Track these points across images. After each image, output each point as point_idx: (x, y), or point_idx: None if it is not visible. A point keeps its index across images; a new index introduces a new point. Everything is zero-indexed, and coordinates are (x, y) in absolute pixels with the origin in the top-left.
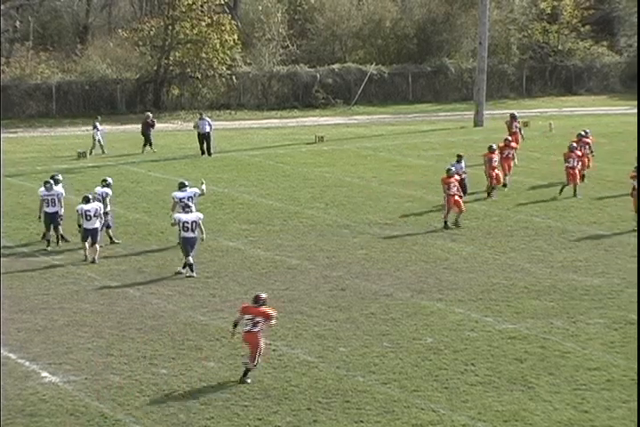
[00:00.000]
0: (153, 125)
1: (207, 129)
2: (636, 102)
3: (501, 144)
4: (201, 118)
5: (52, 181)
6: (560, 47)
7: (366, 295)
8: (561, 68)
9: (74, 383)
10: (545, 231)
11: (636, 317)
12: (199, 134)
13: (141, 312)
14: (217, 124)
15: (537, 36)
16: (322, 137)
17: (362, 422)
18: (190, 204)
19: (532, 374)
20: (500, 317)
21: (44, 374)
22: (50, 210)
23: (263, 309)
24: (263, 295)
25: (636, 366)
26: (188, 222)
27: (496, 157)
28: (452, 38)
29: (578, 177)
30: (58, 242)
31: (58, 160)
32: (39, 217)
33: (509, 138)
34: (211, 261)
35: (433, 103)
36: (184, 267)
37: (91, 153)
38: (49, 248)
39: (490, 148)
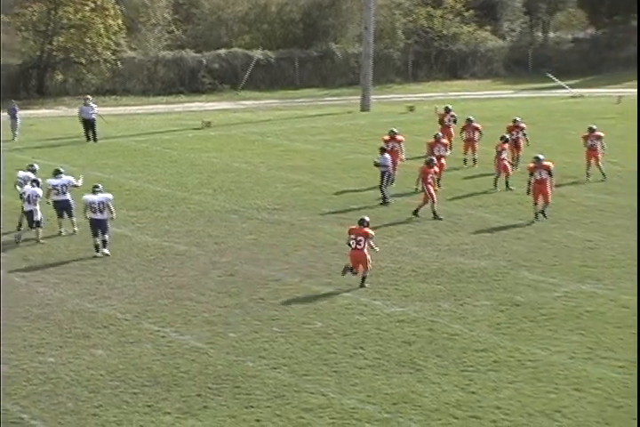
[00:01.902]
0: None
1: (92, 115)
2: (519, 87)
3: (431, 141)
4: (86, 104)
5: None
6: (445, 32)
7: (255, 280)
8: (446, 52)
9: None
10: (432, 215)
11: (521, 298)
12: (84, 120)
13: (27, 301)
14: (102, 110)
15: (422, 21)
16: (209, 122)
17: (252, 407)
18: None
19: (420, 356)
20: (388, 300)
21: None
22: None
23: (364, 229)
24: (367, 218)
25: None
26: (95, 203)
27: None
28: (337, 23)
29: (509, 168)
30: None
31: None
32: None
33: (440, 133)
34: None
35: (320, 88)
36: (97, 250)
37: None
38: None
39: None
